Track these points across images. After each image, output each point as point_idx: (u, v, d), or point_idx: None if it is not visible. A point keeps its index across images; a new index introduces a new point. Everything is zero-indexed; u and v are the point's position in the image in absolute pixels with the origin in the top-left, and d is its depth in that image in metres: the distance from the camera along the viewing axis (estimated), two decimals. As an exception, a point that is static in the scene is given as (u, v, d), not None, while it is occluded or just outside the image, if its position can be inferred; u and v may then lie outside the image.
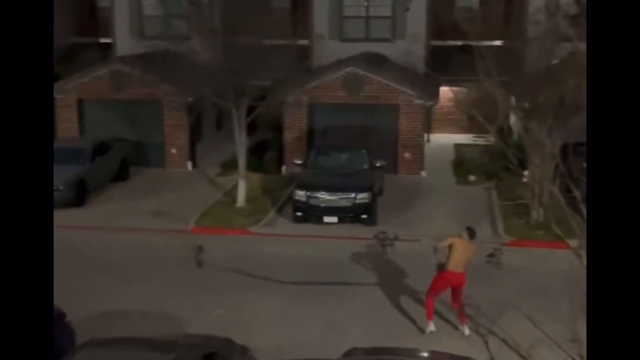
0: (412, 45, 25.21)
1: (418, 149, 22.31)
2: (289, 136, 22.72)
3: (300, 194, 17.71)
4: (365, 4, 25.79)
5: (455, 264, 11.92)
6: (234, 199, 19.24)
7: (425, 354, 10.15)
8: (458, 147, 25.59)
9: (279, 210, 18.93)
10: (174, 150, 23.27)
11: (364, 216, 17.49)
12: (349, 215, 17.59)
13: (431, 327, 12.16)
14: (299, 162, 19.73)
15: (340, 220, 17.60)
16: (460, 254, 11.90)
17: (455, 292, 12.17)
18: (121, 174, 21.82)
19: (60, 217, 18.20)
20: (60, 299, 11.48)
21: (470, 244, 12.11)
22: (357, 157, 19.04)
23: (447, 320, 12.55)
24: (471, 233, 12.19)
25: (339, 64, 23.34)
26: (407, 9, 24.98)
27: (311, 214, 17.71)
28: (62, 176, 19.03)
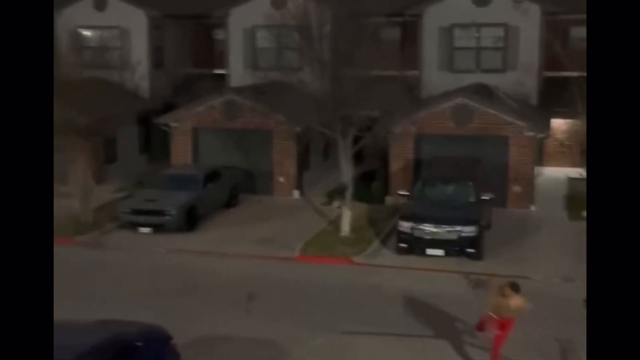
0: (523, 76, 24.66)
1: (528, 182, 21.65)
2: (395, 166, 22.63)
3: (405, 225, 17.53)
4: (477, 35, 25.48)
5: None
6: (338, 228, 19.31)
7: None
8: (572, 181, 24.61)
9: (383, 241, 18.81)
10: (281, 179, 23.69)
11: (470, 250, 17.08)
12: (455, 248, 17.22)
13: None
14: (404, 192, 19.55)
15: (446, 254, 17.26)
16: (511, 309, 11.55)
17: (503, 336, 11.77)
18: (231, 201, 22.41)
19: (171, 242, 18.98)
20: (167, 322, 11.88)
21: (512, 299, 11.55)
22: (464, 189, 18.68)
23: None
24: (515, 288, 11.59)
25: (448, 94, 23.11)
26: (519, 1, 24.21)
27: (415, 245, 17.47)
28: (174, 202, 19.78)
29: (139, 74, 25.04)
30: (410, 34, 26.42)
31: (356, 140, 19.11)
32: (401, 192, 19.70)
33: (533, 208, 21.55)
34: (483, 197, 18.55)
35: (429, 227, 17.37)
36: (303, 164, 24.22)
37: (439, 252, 17.29)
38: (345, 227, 19.08)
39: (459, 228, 17.18)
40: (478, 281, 12.55)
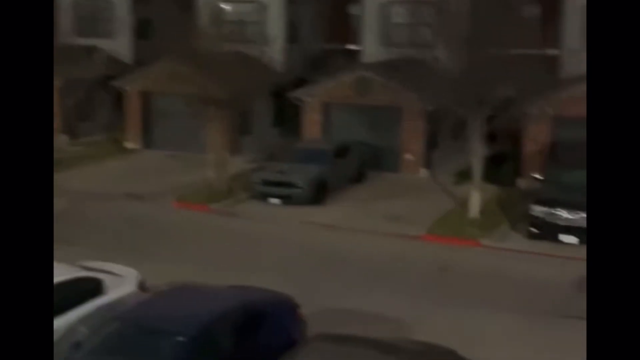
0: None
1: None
2: (529, 149, 21.90)
3: (538, 210, 16.97)
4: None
5: None
6: (467, 209, 19.00)
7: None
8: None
9: (514, 225, 18.33)
10: (409, 156, 23.55)
11: (607, 239, 16.29)
12: (590, 236, 16.49)
13: None
14: (538, 176, 18.93)
15: (581, 242, 16.57)
16: None
17: None
18: (358, 177, 22.56)
19: (300, 214, 19.41)
20: (294, 291, 12.20)
21: None
22: (603, 176, 17.78)
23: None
24: None
25: (590, 75, 21.99)
26: None
27: (548, 231, 16.88)
28: (304, 175, 20.18)
29: (275, 48, 25.58)
30: (552, 10, 25.26)
31: (489, 120, 18.64)
32: (535, 176, 19.07)
33: None
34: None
35: (563, 213, 16.73)
36: (432, 143, 23.95)
37: (573, 239, 16.63)
38: (474, 209, 18.74)
39: (596, 216, 16.43)
40: None
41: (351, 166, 22.34)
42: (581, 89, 21.07)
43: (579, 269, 15.33)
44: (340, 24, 30.42)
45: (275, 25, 28.07)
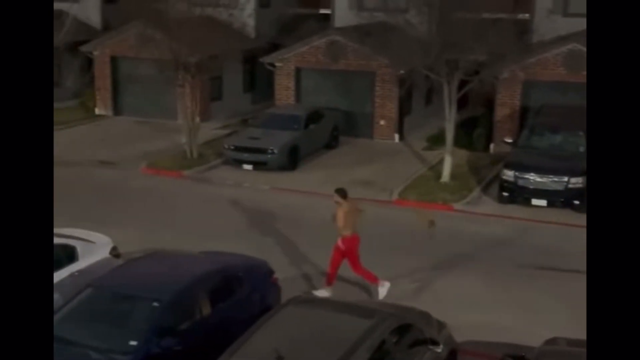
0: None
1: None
2: (500, 113, 22.05)
3: (509, 174, 17.16)
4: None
5: (340, 228, 12.20)
6: (438, 174, 19.13)
7: None
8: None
9: (485, 189, 18.52)
10: (382, 122, 23.57)
11: (576, 202, 16.57)
12: (560, 199, 16.76)
13: (324, 292, 12.35)
14: (509, 140, 19.10)
15: (550, 204, 16.83)
16: (340, 219, 12.13)
17: (351, 256, 12.35)
18: (331, 142, 22.56)
19: (273, 180, 19.40)
20: (269, 256, 12.25)
21: (347, 205, 12.22)
22: (573, 139, 17.99)
23: None
24: (342, 194, 12.26)
25: (561, 40, 22.10)
26: None
27: (519, 195, 17.11)
28: (277, 141, 20.12)
29: (246, 12, 25.25)
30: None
31: (461, 85, 18.69)
32: (506, 140, 19.24)
33: None
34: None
35: (533, 177, 16.95)
36: (404, 108, 23.97)
37: (542, 202, 16.88)
38: (446, 173, 18.88)
39: (565, 179, 16.68)
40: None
41: (324, 132, 22.31)
42: (552, 53, 21.25)
43: (546, 231, 15.68)
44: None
45: (247, -12, 27.64)
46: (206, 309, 9.75)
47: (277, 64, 24.30)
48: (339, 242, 12.34)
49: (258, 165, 20.09)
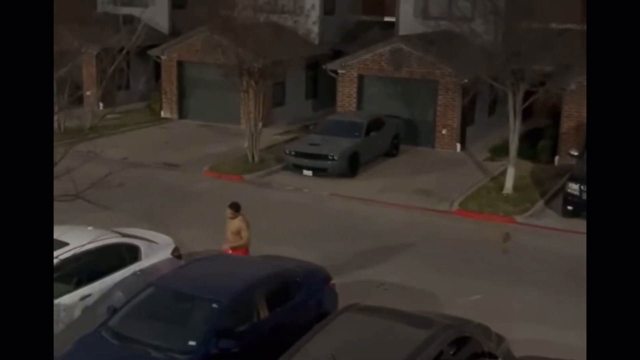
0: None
1: None
2: (566, 125, 21.58)
3: (574, 187, 16.77)
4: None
5: (231, 242, 12.19)
6: (501, 185, 18.84)
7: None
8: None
9: (548, 202, 18.15)
10: (444, 131, 23.38)
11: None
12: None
13: None
14: (575, 153, 18.66)
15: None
16: (233, 233, 12.18)
17: None
18: (391, 150, 22.49)
19: (333, 186, 19.45)
20: (327, 263, 12.29)
21: (235, 220, 12.21)
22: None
23: None
24: (235, 208, 12.30)
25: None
26: None
27: (583, 209, 16.69)
28: (338, 147, 20.19)
29: (311, 19, 25.44)
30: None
31: (527, 95, 18.39)
32: (572, 153, 18.81)
33: None
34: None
35: (599, 191, 16.53)
36: (467, 118, 23.71)
37: (609, 218, 16.44)
38: (509, 185, 18.58)
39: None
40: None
41: (385, 140, 22.25)
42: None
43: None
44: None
45: (312, -4, 27.88)
46: (264, 313, 9.84)
47: (339, 71, 24.38)
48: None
49: (318, 172, 20.18)
